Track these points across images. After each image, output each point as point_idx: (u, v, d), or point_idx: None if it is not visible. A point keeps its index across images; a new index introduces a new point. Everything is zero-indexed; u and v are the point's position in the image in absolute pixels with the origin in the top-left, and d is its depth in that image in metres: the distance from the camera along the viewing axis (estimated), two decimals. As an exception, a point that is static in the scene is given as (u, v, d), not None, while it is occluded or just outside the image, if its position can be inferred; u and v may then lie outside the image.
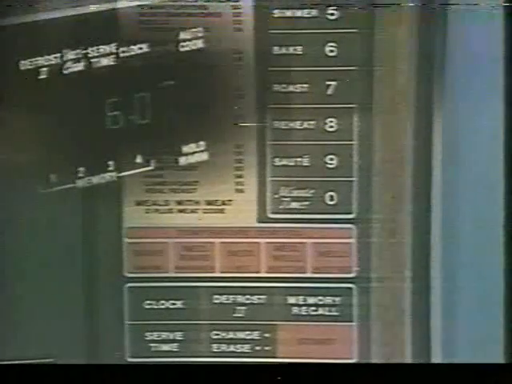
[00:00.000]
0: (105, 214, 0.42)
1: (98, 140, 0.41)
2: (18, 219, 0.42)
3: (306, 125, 0.42)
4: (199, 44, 0.41)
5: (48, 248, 0.42)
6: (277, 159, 0.42)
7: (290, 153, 0.42)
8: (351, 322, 0.43)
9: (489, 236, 0.42)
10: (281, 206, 0.42)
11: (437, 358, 0.43)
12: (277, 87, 0.41)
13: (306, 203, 0.42)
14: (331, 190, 0.42)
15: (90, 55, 0.40)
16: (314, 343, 0.43)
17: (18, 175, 0.41)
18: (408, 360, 0.43)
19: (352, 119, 0.41)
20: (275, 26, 0.41)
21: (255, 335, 0.43)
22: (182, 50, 0.41)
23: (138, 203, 0.43)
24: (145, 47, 0.41)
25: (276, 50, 0.41)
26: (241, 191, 0.42)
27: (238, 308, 0.43)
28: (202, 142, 0.42)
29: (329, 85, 0.41)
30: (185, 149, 0.42)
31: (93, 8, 0.40)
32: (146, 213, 0.43)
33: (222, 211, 0.42)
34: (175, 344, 0.44)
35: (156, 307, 0.43)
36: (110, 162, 0.42)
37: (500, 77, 0.41)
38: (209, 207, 0.42)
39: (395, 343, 0.43)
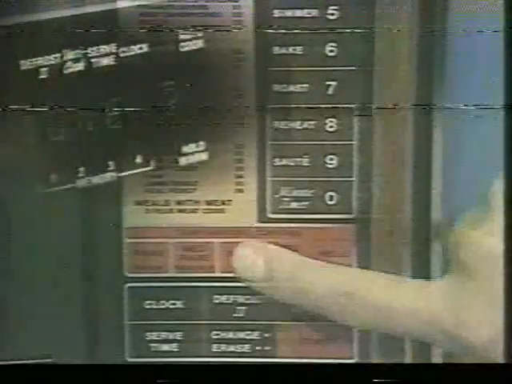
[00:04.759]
0: (105, 213, 0.42)
1: (99, 140, 0.41)
2: (18, 219, 0.42)
3: (305, 125, 0.42)
4: (199, 44, 0.41)
5: (48, 248, 0.42)
6: (277, 159, 0.42)
7: (290, 153, 0.42)
8: (351, 322, 0.43)
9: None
10: (281, 206, 0.42)
11: (437, 358, 0.43)
12: (277, 87, 0.41)
13: (306, 203, 0.42)
14: (331, 190, 0.42)
15: (89, 55, 0.40)
16: (314, 343, 0.43)
17: (18, 175, 0.41)
18: (408, 360, 0.43)
19: (352, 119, 0.41)
20: (275, 26, 0.41)
21: (255, 335, 0.43)
22: (182, 50, 0.41)
23: (138, 203, 0.43)
24: (145, 47, 0.40)
25: (276, 50, 0.41)
26: (241, 191, 0.42)
27: (238, 308, 0.43)
28: (201, 142, 0.42)
29: (329, 85, 0.41)
30: (185, 149, 0.42)
31: (93, 8, 0.40)
32: (146, 213, 0.43)
33: (221, 211, 0.42)
34: (175, 344, 0.44)
35: (156, 307, 0.43)
36: (110, 162, 0.42)
37: (500, 77, 0.40)
38: (209, 207, 0.42)
39: (395, 343, 0.43)
